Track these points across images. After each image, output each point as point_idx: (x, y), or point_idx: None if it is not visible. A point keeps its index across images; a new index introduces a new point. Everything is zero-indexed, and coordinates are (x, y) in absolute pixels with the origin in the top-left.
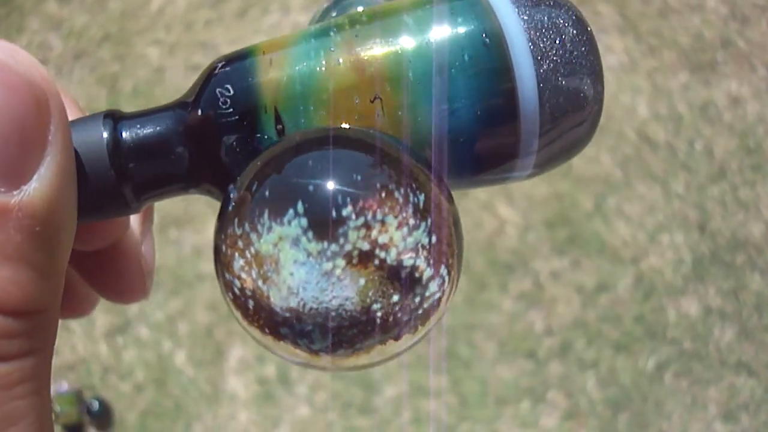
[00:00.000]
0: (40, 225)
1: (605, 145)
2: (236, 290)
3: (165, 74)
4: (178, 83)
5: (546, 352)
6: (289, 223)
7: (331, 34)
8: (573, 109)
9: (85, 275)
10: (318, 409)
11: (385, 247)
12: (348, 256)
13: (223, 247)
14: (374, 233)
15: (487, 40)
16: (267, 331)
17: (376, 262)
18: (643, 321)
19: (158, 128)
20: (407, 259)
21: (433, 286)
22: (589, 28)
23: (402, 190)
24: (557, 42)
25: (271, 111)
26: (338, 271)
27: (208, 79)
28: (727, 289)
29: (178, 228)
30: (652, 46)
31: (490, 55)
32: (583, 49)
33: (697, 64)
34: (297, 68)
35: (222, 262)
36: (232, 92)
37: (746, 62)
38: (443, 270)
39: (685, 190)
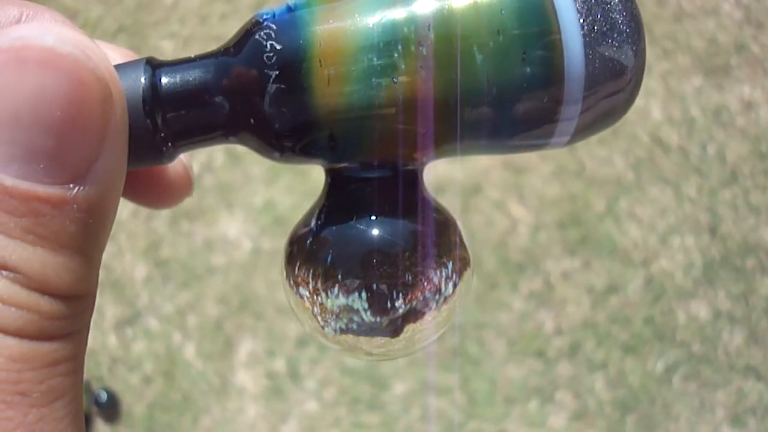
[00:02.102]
0: (93, 218)
1: (618, 147)
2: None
3: None
4: None
5: (555, 352)
6: (353, 301)
7: None
8: (616, 75)
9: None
10: (326, 404)
11: (421, 313)
12: (393, 326)
13: (292, 278)
14: (416, 310)
15: (537, 2)
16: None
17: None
18: (653, 323)
19: (199, 76)
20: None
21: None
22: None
23: (439, 273)
24: (605, 8)
25: (317, 64)
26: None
27: (252, 30)
28: (736, 293)
29: (190, 221)
30: (666, 50)
31: (538, 16)
32: (628, 17)
33: (710, 68)
34: (349, 22)
35: (290, 281)
36: (279, 47)
37: (760, 67)
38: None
39: (697, 194)
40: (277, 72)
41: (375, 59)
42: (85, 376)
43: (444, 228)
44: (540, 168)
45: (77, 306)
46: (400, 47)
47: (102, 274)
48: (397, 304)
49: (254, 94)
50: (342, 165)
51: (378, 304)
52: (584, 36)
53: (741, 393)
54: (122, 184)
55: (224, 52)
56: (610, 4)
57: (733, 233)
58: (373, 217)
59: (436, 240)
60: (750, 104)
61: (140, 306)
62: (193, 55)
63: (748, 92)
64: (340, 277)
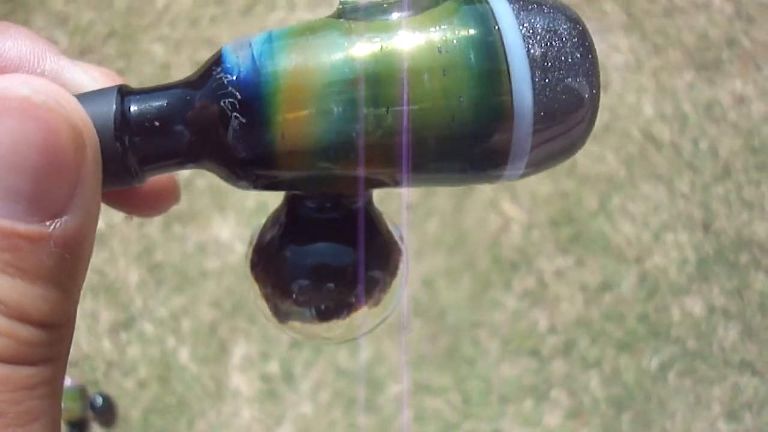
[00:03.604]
0: (70, 253)
1: (610, 144)
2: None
3: (171, 70)
4: None
5: (550, 350)
6: (302, 311)
7: (343, 37)
8: (568, 111)
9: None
10: (321, 406)
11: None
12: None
13: (253, 273)
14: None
15: (487, 44)
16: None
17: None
18: (647, 320)
19: (164, 106)
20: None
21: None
22: (587, 35)
23: (380, 286)
24: (554, 47)
25: (274, 108)
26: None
27: (217, 65)
28: (731, 288)
29: (183, 224)
30: (658, 45)
31: (488, 57)
32: (579, 54)
33: (702, 63)
34: (307, 68)
35: (253, 274)
36: (239, 90)
37: (751, 61)
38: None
39: (690, 190)
40: (238, 111)
41: (329, 107)
42: (81, 381)
43: (385, 249)
44: None
45: (54, 334)
46: (351, 96)
47: (95, 279)
48: (340, 315)
49: (216, 127)
50: (299, 194)
51: (323, 315)
52: (533, 75)
53: (737, 388)
54: (96, 220)
55: (191, 83)
56: (560, 42)
57: (727, 228)
58: (323, 245)
59: (377, 263)
60: (742, 99)
61: (134, 310)
62: (165, 83)
63: (740, 87)
64: (293, 294)
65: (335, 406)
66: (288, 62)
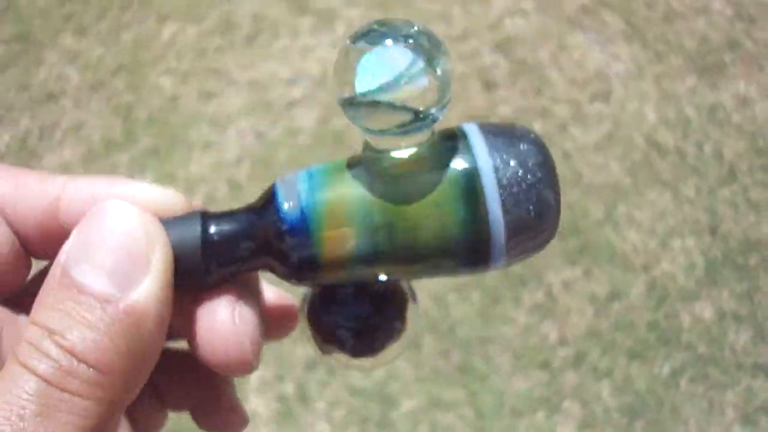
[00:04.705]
0: (133, 321)
1: (614, 153)
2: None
3: (179, 102)
4: (192, 110)
5: (561, 362)
6: (339, 351)
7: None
8: (535, 224)
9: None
10: (337, 425)
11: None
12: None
13: (304, 316)
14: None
15: (468, 181)
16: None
17: None
18: (657, 327)
19: (235, 227)
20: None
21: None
22: (547, 154)
23: (399, 328)
24: (519, 173)
25: (322, 236)
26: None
27: (271, 199)
28: (740, 291)
29: None
30: (659, 52)
31: (469, 193)
32: (541, 174)
33: (703, 67)
34: (346, 214)
35: (304, 317)
36: (288, 218)
37: (754, 63)
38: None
39: (696, 194)
40: (289, 234)
41: (357, 230)
42: None
43: (402, 307)
44: None
45: (102, 378)
46: (371, 224)
47: None
48: (371, 354)
49: (274, 245)
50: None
51: (356, 354)
52: (503, 201)
53: (750, 392)
54: (166, 308)
55: (253, 210)
56: (524, 167)
57: (734, 231)
58: (352, 307)
59: (396, 315)
60: (745, 100)
61: None
62: (234, 209)
63: (743, 88)
64: (332, 339)
65: (350, 424)
66: (325, 197)
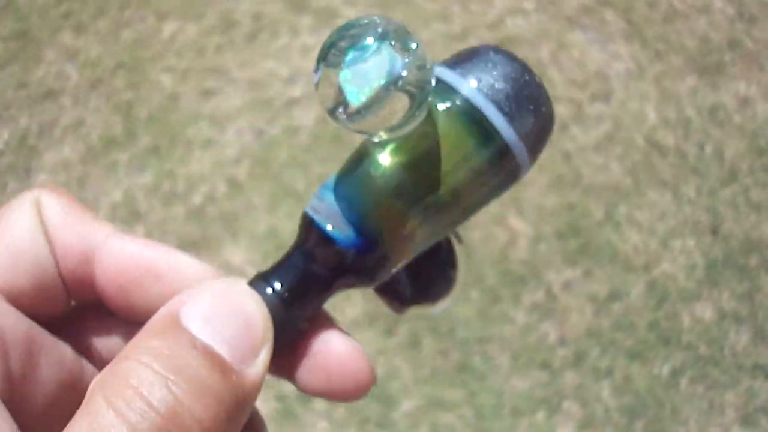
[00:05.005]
0: (242, 390)
1: (614, 153)
2: None
3: (179, 100)
4: (192, 109)
5: (560, 362)
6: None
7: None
8: (538, 123)
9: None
10: (337, 424)
11: None
12: None
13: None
14: None
15: (462, 110)
16: None
17: None
18: (657, 327)
19: (293, 272)
20: None
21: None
22: (513, 55)
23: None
24: (508, 90)
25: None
26: None
27: (308, 228)
28: (741, 292)
29: (196, 250)
30: (659, 51)
31: (468, 119)
32: (525, 79)
33: (704, 67)
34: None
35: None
36: (334, 236)
37: (755, 62)
38: None
39: (696, 195)
40: (358, 254)
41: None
42: None
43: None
44: (537, 180)
45: None
46: (412, 190)
47: None
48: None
49: (349, 269)
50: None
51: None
52: (507, 117)
53: (751, 392)
54: (264, 377)
55: (299, 246)
56: (510, 82)
57: (735, 232)
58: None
59: (453, 265)
60: (746, 100)
61: None
62: (281, 259)
63: (744, 88)
64: (401, 298)
65: (350, 424)
66: (363, 203)
